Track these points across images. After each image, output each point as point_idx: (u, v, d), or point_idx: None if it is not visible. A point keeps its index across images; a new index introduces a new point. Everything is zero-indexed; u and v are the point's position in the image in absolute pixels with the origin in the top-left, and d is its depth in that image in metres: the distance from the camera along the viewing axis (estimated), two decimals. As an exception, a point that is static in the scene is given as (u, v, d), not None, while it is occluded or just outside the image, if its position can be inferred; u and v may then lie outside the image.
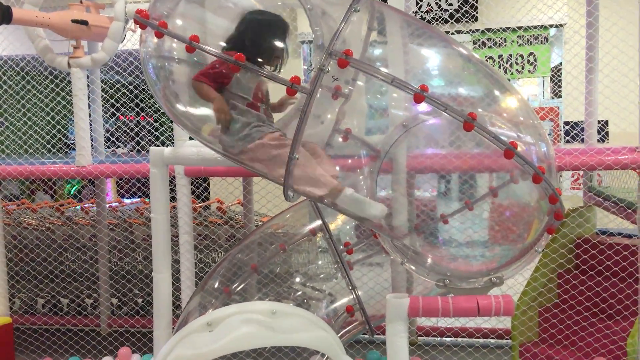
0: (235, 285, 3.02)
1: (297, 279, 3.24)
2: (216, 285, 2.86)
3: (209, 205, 5.80)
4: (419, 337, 4.44)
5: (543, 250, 2.91)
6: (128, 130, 4.88)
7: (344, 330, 2.92)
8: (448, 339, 4.24)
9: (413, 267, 2.46)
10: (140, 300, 5.12)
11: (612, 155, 3.06)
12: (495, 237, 2.25)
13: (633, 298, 3.24)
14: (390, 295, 2.39)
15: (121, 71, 4.68)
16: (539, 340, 3.72)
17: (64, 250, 5.01)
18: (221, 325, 2.19)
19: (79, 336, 4.24)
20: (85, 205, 5.67)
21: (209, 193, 6.45)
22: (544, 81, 9.75)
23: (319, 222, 2.99)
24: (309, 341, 2.18)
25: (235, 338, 2.06)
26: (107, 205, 5.19)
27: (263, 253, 3.22)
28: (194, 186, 4.87)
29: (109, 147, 5.70)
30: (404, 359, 2.32)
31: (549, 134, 7.74)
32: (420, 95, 1.87)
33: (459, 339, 4.25)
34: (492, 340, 4.30)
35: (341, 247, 2.90)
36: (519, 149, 2.08)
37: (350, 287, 2.77)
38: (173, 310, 3.31)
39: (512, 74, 4.05)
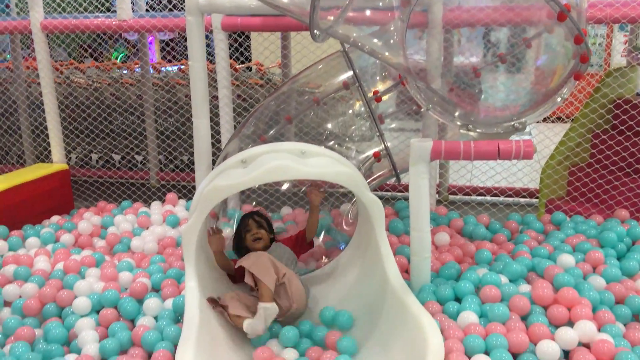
0: (271, 133, 3.18)
1: (331, 135, 3.36)
2: (251, 131, 3.01)
3: (250, 67, 5.88)
4: (450, 195, 4.60)
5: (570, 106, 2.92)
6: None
7: (372, 177, 3.08)
8: (479, 197, 4.37)
9: (438, 113, 2.54)
10: (185, 158, 5.41)
11: (657, 6, 2.94)
12: (521, 82, 2.27)
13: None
14: (414, 139, 2.50)
15: None
16: (567, 197, 3.82)
17: (113, 110, 5.25)
18: (254, 161, 2.36)
19: (130, 187, 4.57)
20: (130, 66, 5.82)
21: (250, 55, 6.48)
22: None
23: (350, 73, 3.05)
24: (334, 176, 2.32)
25: (266, 170, 2.22)
26: (152, 66, 5.33)
27: (297, 106, 3.33)
28: (235, 47, 4.91)
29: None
30: (425, 197, 2.47)
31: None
32: None
33: (490, 197, 4.39)
34: (522, 200, 4.43)
35: (370, 94, 2.96)
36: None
37: (377, 134, 2.87)
38: (214, 161, 3.53)
39: None
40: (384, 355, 2.18)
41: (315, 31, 2.15)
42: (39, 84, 4.39)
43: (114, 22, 3.80)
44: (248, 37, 6.02)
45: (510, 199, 4.48)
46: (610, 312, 2.31)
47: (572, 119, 3.91)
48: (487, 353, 2.07)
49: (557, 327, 2.21)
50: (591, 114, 3.86)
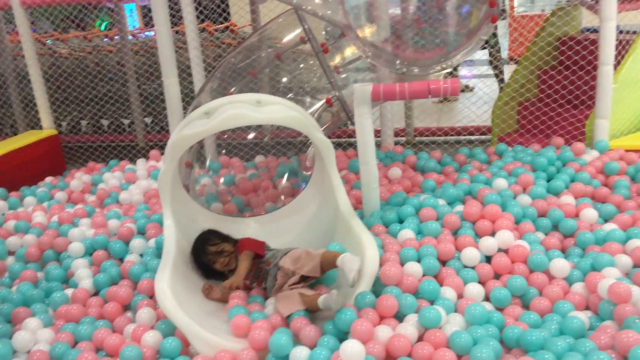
0: (237, 88, 3.48)
1: (293, 87, 3.64)
2: (216, 86, 3.32)
3: (226, 28, 6.12)
4: (415, 137, 4.93)
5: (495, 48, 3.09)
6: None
7: (325, 122, 3.39)
8: (440, 138, 4.69)
9: (376, 59, 2.84)
10: (170, 119, 5.71)
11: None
12: (445, 25, 2.57)
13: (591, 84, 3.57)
14: (357, 84, 2.81)
15: None
16: (515, 131, 4.16)
17: (97, 78, 5.52)
18: (216, 112, 2.68)
19: (120, 150, 4.90)
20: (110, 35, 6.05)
21: (229, 15, 6.68)
22: None
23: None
24: (285, 120, 2.63)
25: (225, 118, 2.52)
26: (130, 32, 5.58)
27: (261, 61, 3.62)
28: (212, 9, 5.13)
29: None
30: (369, 134, 2.80)
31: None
32: None
33: (449, 137, 4.72)
34: (483, 137, 4.76)
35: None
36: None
37: (328, 82, 3.16)
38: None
39: None
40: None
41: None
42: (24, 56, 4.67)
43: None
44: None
45: (472, 137, 4.81)
46: (531, 224, 2.68)
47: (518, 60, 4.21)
48: (419, 261, 2.44)
49: (481, 237, 2.57)
50: (539, 52, 4.15)
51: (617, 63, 3.52)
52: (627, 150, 3.35)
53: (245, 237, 2.71)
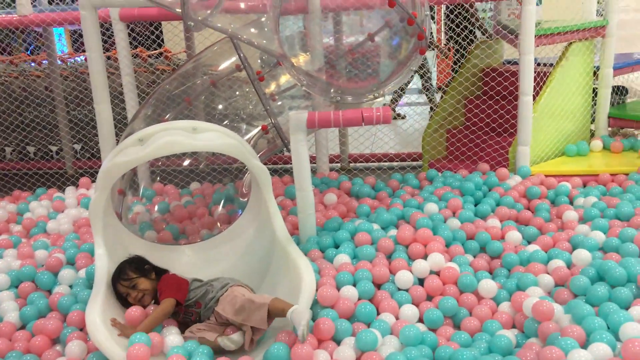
0: (171, 115, 3.46)
1: (229, 114, 3.65)
2: (150, 113, 3.29)
3: (160, 55, 6.06)
4: (350, 164, 5.03)
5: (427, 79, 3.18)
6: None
7: (265, 149, 3.43)
8: (373, 164, 4.81)
9: (311, 88, 2.91)
10: (101, 145, 5.56)
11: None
12: (377, 56, 2.67)
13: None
14: (292, 112, 2.86)
15: None
16: (444, 157, 4.32)
17: (22, 103, 5.32)
18: (150, 139, 2.65)
19: (48, 178, 4.73)
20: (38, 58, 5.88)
21: (162, 41, 6.62)
22: None
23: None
24: (221, 147, 2.64)
25: (159, 146, 2.51)
26: (59, 57, 5.44)
27: (196, 88, 3.62)
28: (145, 35, 5.08)
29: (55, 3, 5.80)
30: (305, 161, 2.86)
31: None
32: None
33: (382, 163, 4.86)
34: (415, 162, 4.92)
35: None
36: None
37: (264, 110, 3.20)
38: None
39: None
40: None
41: (189, 23, 2.45)
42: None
43: (15, 19, 3.95)
44: (160, 25, 6.20)
45: (404, 163, 4.96)
46: (460, 246, 2.79)
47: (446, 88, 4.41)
48: (355, 285, 2.48)
49: (414, 260, 2.65)
50: (464, 82, 4.36)
51: (536, 93, 3.76)
52: (547, 176, 3.56)
53: (169, 275, 2.60)
